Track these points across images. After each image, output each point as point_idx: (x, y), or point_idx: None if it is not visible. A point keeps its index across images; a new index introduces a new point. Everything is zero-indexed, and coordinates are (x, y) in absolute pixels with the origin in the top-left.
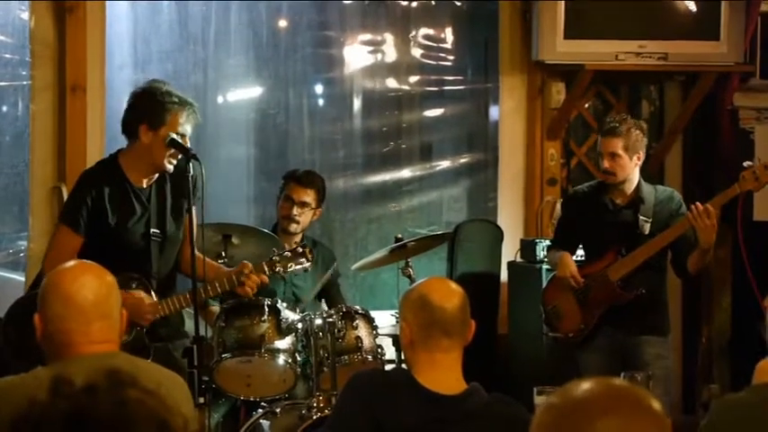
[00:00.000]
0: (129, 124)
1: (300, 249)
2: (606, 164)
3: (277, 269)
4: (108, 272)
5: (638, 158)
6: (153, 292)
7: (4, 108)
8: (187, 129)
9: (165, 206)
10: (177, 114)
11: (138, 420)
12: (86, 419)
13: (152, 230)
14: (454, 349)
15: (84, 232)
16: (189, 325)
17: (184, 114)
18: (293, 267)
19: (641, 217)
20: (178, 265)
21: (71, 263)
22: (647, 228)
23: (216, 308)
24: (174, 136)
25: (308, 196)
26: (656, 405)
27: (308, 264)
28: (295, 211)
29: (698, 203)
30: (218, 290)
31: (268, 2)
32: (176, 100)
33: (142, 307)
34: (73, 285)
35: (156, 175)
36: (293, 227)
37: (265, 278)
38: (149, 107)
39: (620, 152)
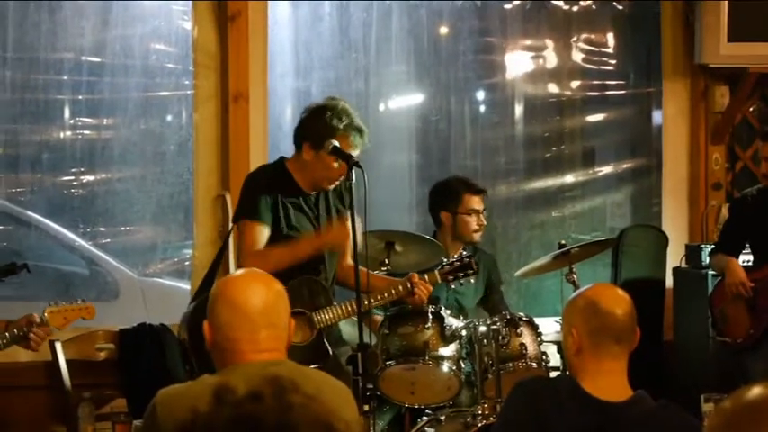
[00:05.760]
0: (296, 137)
1: (467, 260)
2: (766, 168)
3: (449, 278)
4: (276, 280)
5: None
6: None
7: (169, 117)
8: (352, 153)
9: (330, 214)
10: (341, 139)
11: (303, 425)
12: (252, 425)
13: None
14: (622, 356)
15: (269, 222)
16: (346, 332)
17: (349, 140)
18: (461, 277)
19: None
20: (334, 274)
21: (239, 271)
22: None
23: (379, 316)
24: (336, 144)
25: (483, 202)
26: None
27: (474, 274)
28: (483, 221)
29: None
30: (388, 298)
31: (429, 9)
32: (345, 125)
33: None
34: (241, 293)
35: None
36: (479, 236)
37: (430, 287)
38: (316, 127)
39: None
